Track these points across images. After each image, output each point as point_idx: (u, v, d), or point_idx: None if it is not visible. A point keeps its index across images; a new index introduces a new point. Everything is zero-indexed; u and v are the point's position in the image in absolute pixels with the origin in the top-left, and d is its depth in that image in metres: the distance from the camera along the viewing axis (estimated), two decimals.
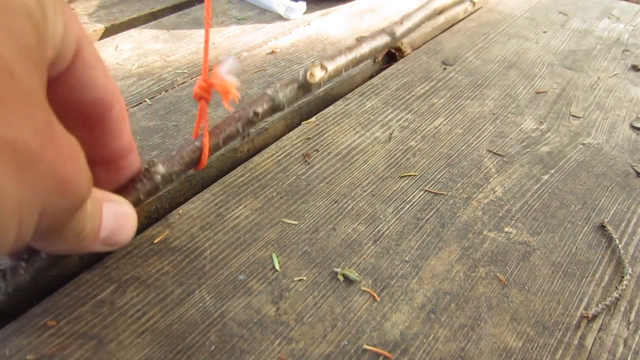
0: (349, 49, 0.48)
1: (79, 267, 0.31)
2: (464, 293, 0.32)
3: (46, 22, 0.20)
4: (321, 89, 0.47)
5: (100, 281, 0.31)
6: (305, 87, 0.42)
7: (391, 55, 0.63)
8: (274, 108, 0.41)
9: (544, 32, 0.69)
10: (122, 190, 0.32)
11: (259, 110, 0.39)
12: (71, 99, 0.26)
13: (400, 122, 0.48)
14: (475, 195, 0.40)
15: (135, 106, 0.49)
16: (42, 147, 0.19)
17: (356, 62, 0.50)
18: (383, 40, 0.53)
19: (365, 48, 0.51)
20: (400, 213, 0.37)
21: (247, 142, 0.41)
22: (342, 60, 0.47)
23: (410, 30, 0.58)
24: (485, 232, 0.36)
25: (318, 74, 0.42)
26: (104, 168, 0.31)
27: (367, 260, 0.33)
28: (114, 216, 0.29)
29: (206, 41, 0.33)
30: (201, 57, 0.59)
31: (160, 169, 0.33)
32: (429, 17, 0.63)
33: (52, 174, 0.20)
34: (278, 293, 0.31)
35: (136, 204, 0.32)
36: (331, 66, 0.46)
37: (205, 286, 0.31)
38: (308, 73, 0.42)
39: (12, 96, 0.18)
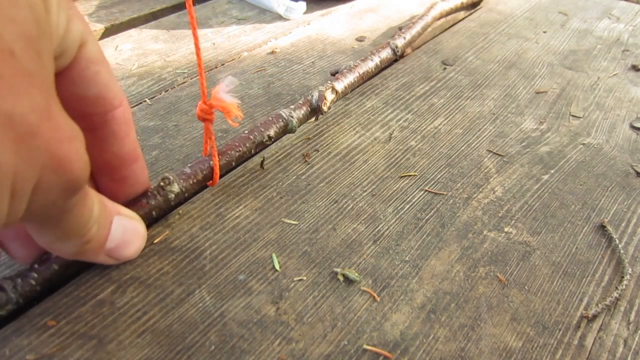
0: (356, 66, 0.49)
1: (79, 266, 0.31)
2: (464, 293, 0.32)
3: (49, 15, 0.21)
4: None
5: (100, 281, 0.31)
6: (316, 110, 0.43)
7: None
8: (286, 131, 0.42)
9: (544, 32, 0.69)
10: (134, 204, 0.32)
11: (272, 134, 0.40)
12: (74, 95, 0.26)
13: (400, 122, 0.48)
14: (475, 195, 0.40)
15: (135, 106, 0.49)
16: (39, 123, 0.19)
17: (362, 80, 0.51)
18: (387, 54, 0.54)
19: (370, 65, 0.52)
20: (400, 213, 0.37)
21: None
22: (349, 80, 0.48)
23: (411, 42, 0.59)
24: (485, 232, 0.36)
25: (330, 97, 0.44)
26: (108, 177, 0.31)
27: (367, 260, 0.33)
28: (123, 230, 0.30)
29: (200, 65, 0.33)
30: (202, 58, 0.59)
31: (175, 188, 0.34)
32: (429, 26, 0.64)
33: (48, 149, 0.20)
34: (278, 293, 0.31)
35: (146, 219, 0.33)
36: (340, 87, 0.47)
37: (205, 286, 0.31)
38: (321, 97, 0.43)
39: (11, 73, 0.18)
